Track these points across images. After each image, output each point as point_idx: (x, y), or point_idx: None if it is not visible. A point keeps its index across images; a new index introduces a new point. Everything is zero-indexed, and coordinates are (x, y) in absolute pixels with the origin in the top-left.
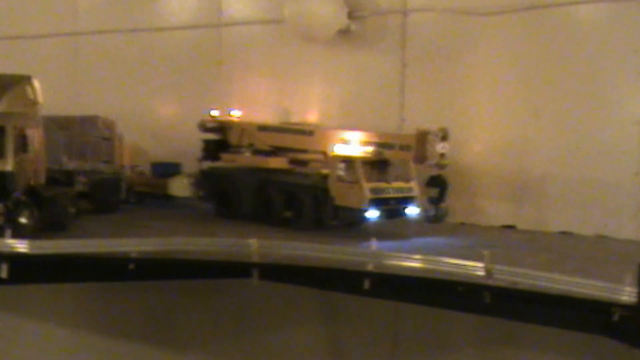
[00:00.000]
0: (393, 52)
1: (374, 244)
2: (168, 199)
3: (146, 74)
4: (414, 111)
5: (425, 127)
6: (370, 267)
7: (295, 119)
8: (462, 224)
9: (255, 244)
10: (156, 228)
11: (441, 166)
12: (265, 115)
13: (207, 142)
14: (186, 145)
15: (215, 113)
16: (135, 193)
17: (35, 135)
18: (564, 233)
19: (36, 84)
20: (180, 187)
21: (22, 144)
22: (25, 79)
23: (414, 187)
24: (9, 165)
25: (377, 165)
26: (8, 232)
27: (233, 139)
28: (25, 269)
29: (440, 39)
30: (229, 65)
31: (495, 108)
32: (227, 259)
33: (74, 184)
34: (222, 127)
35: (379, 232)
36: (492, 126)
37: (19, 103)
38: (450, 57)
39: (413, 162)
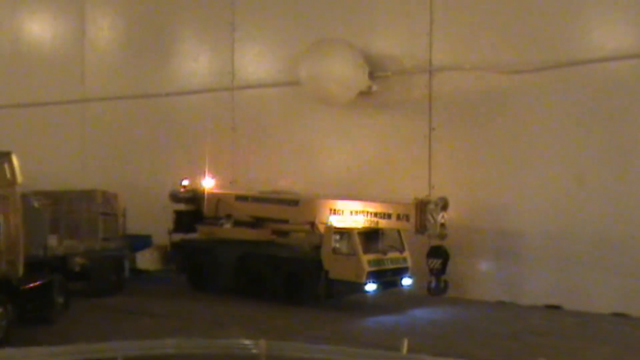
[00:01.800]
0: (419, 114)
1: (405, 345)
2: (137, 273)
3: (154, 141)
4: (443, 177)
5: (425, 196)
6: None
7: (312, 187)
8: (501, 302)
9: (264, 346)
10: (154, 316)
11: (442, 236)
12: (278, 183)
13: (178, 213)
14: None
15: (185, 183)
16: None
17: (10, 220)
18: (617, 315)
19: (15, 161)
20: (149, 260)
21: None
22: (3, 157)
23: (408, 257)
24: None
25: (371, 235)
26: None
27: (208, 209)
28: None
29: (468, 99)
30: (242, 131)
31: (532, 172)
32: None
33: (68, 267)
34: (193, 198)
35: (379, 305)
36: (527, 190)
37: None
38: (480, 118)
39: (413, 232)
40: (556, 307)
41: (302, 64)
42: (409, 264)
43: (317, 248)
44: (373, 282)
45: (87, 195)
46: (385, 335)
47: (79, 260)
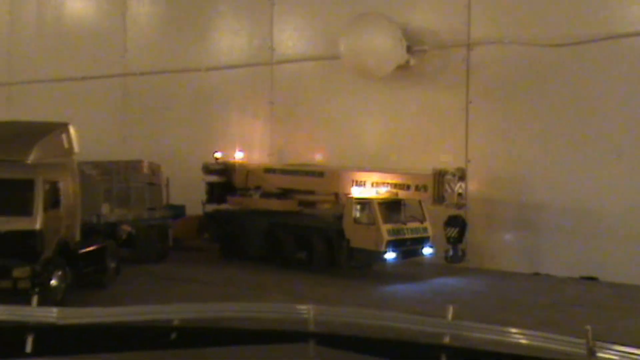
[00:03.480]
0: (456, 88)
1: (450, 312)
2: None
3: (194, 114)
4: (480, 150)
5: (443, 167)
6: (447, 340)
7: (349, 160)
8: (536, 274)
9: (312, 311)
10: (200, 282)
11: (459, 206)
12: (316, 156)
13: (211, 185)
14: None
15: (218, 155)
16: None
17: (69, 187)
18: None
19: (72, 131)
20: (185, 230)
21: (54, 198)
22: (62, 127)
23: (429, 227)
24: (37, 224)
25: (392, 206)
26: (34, 299)
27: (238, 181)
28: (52, 341)
29: (507, 73)
30: (281, 105)
31: (569, 146)
32: (280, 326)
33: (116, 235)
34: (226, 170)
35: (400, 274)
36: (564, 164)
37: (53, 153)
38: (518, 92)
39: (431, 203)
40: (592, 279)
41: (342, 38)
42: (430, 233)
43: (340, 218)
44: (392, 251)
45: (135, 166)
46: (416, 303)
47: (126, 228)
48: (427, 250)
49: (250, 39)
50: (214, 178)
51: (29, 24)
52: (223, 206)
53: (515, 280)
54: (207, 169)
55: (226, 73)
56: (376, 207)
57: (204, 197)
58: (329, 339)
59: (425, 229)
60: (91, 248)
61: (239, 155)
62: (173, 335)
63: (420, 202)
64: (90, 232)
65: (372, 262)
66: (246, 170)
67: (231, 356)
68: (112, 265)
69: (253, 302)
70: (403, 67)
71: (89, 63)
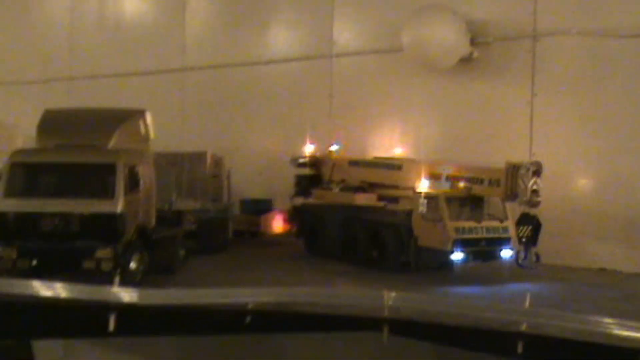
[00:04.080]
0: (521, 81)
1: (528, 299)
2: (255, 237)
3: (252, 108)
4: (545, 145)
5: (517, 160)
6: (523, 328)
7: (411, 154)
8: (602, 269)
9: (387, 297)
10: (268, 271)
11: (533, 203)
12: (379, 149)
13: (299, 178)
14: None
15: (309, 148)
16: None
17: (146, 173)
18: None
19: (149, 118)
20: (274, 224)
21: (133, 182)
22: (139, 114)
23: (510, 227)
24: (118, 206)
25: (468, 202)
26: (117, 279)
27: (325, 174)
28: (133, 321)
29: (574, 65)
30: (341, 98)
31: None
32: (355, 311)
33: (183, 224)
34: (314, 162)
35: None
36: (632, 160)
37: (131, 139)
38: (585, 85)
39: (502, 199)
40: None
41: (405, 31)
42: (511, 234)
43: (410, 214)
44: (461, 251)
45: (199, 157)
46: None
47: (191, 218)
48: (505, 253)
49: (310, 32)
50: (304, 171)
51: (89, 19)
52: (309, 200)
53: (582, 275)
54: (296, 162)
55: (285, 66)
56: (443, 203)
57: (291, 190)
58: (403, 326)
59: (505, 229)
60: (164, 234)
61: (331, 148)
62: (247, 319)
63: (502, 198)
64: (160, 219)
65: (439, 262)
66: (332, 163)
67: (304, 342)
68: (182, 252)
69: (328, 287)
70: (466, 60)
71: (148, 58)
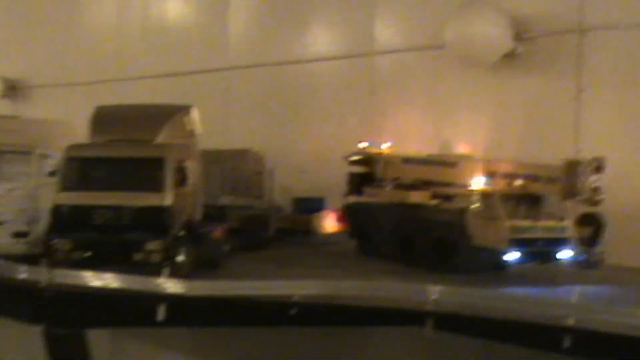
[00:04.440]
0: (567, 76)
1: (576, 293)
2: (308, 235)
3: (294, 107)
4: (592, 142)
5: (577, 157)
6: (571, 322)
7: (455, 151)
8: None
9: (431, 290)
10: (310, 267)
11: (594, 202)
12: (422, 147)
13: (352, 176)
14: (335, 179)
15: (362, 145)
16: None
17: (193, 169)
18: None
19: (195, 114)
20: (326, 223)
21: (181, 177)
22: (185, 110)
23: (569, 226)
24: (168, 200)
25: (525, 200)
26: (166, 271)
27: (379, 172)
28: (180, 311)
29: (622, 59)
30: (382, 96)
31: None
32: (398, 305)
33: (227, 220)
34: (368, 160)
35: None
36: None
37: (178, 134)
38: (634, 80)
39: (561, 197)
40: None
41: (448, 26)
42: (570, 234)
43: (463, 212)
44: (517, 251)
45: (241, 155)
46: None
47: (234, 214)
48: (564, 254)
49: (351, 30)
50: (356, 169)
51: (135, 22)
52: (361, 198)
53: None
54: (349, 159)
55: (327, 64)
56: (497, 200)
57: (344, 188)
58: (447, 320)
59: (563, 229)
60: (210, 229)
61: (385, 145)
62: (292, 311)
63: (559, 197)
64: (205, 214)
65: (494, 262)
66: (385, 161)
67: (348, 335)
68: (226, 247)
69: (372, 281)
70: (510, 56)
71: (192, 58)
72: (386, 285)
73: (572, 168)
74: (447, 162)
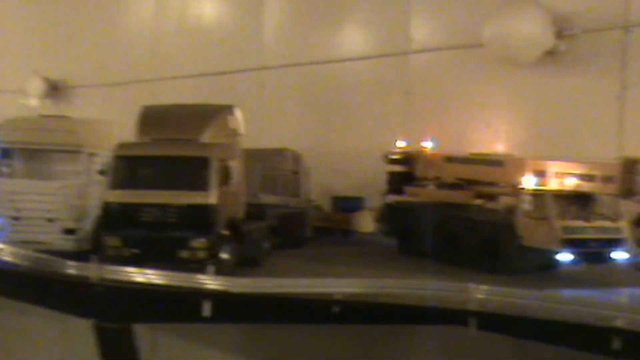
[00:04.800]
0: (610, 74)
1: (627, 294)
2: (346, 234)
3: (329, 106)
4: (636, 141)
5: (635, 155)
6: (619, 323)
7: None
8: None
9: (475, 289)
10: (351, 265)
11: None
12: (459, 146)
13: (392, 175)
14: (370, 178)
15: (401, 144)
16: (311, 228)
17: (236, 167)
18: None
19: (238, 114)
20: (365, 222)
21: (225, 176)
22: (228, 109)
23: (623, 227)
24: (212, 198)
25: (577, 200)
26: (211, 268)
27: (419, 171)
28: (225, 308)
29: None
30: (418, 95)
31: None
32: (441, 304)
33: (266, 218)
34: (408, 159)
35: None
36: None
37: (223, 133)
38: None
39: (617, 196)
40: None
41: (487, 24)
42: (624, 235)
43: (512, 212)
44: (569, 252)
45: (279, 154)
46: None
47: (273, 213)
48: (618, 255)
49: (386, 29)
50: (395, 168)
51: (172, 22)
52: (402, 198)
53: None
54: (389, 158)
55: (362, 63)
56: (550, 200)
57: (383, 188)
58: (491, 319)
59: (617, 230)
60: (252, 227)
61: (425, 144)
62: (334, 309)
63: (616, 197)
64: (246, 213)
65: (544, 263)
66: (427, 160)
67: (390, 333)
68: (267, 245)
69: (415, 279)
70: (552, 53)
71: (227, 58)
72: (430, 284)
73: (630, 166)
74: (492, 161)
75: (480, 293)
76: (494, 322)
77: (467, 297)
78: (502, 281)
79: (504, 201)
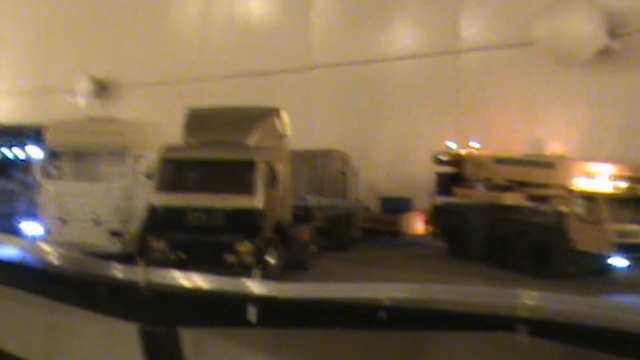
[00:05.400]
0: None
1: None
2: (395, 236)
3: (377, 106)
4: None
5: None
6: None
7: (546, 150)
8: None
9: (526, 295)
10: (399, 269)
11: None
12: (511, 147)
13: (441, 176)
14: (418, 179)
15: (451, 145)
16: (359, 229)
17: (283, 170)
18: None
19: (284, 116)
20: (413, 224)
21: (272, 179)
22: (274, 112)
23: None
24: (259, 202)
25: (631, 203)
26: (257, 273)
27: (469, 172)
28: (269, 313)
29: None
30: (468, 94)
31: None
32: (491, 310)
33: (313, 220)
34: (457, 160)
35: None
36: None
37: (269, 136)
38: None
39: None
40: None
41: (539, 22)
42: None
43: (563, 215)
44: (623, 257)
45: (327, 155)
46: None
47: (319, 214)
48: None
49: (436, 27)
50: (445, 169)
51: (219, 21)
52: (452, 199)
53: None
54: (438, 159)
55: (411, 63)
56: (603, 203)
57: (431, 189)
58: (542, 327)
59: None
60: (299, 231)
61: (474, 145)
62: (382, 315)
63: None
64: (293, 215)
65: (597, 268)
66: (476, 161)
67: (439, 339)
68: (314, 248)
69: (464, 285)
70: (605, 52)
71: (275, 57)
72: (479, 289)
73: None
74: (544, 162)
75: (532, 299)
76: (545, 328)
77: (518, 303)
78: (554, 286)
79: (556, 204)
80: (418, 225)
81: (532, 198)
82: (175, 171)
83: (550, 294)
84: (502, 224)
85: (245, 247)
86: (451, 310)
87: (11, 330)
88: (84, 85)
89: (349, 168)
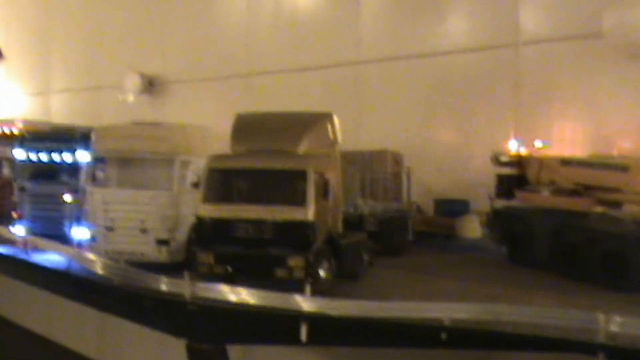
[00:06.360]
0: None
1: None
2: (450, 240)
3: (431, 102)
4: None
5: None
6: None
7: (614, 151)
8: None
9: (605, 320)
10: (458, 279)
11: None
12: (574, 146)
13: (501, 178)
14: (475, 180)
15: (511, 144)
16: (413, 232)
17: (334, 179)
18: None
19: (336, 122)
20: (471, 227)
21: (323, 189)
22: (327, 117)
23: None
24: (310, 214)
25: None
26: (308, 288)
27: (532, 174)
28: (321, 330)
29: None
30: (528, 89)
31: None
32: (564, 334)
33: (365, 227)
34: (519, 161)
35: None
36: None
37: (320, 143)
38: None
39: None
40: None
41: (607, 13)
42: None
43: None
44: None
45: (379, 156)
46: None
47: (371, 218)
48: None
49: (493, 19)
50: (506, 170)
51: (265, 16)
52: (513, 202)
53: None
54: (498, 160)
55: (465, 57)
56: None
57: (492, 191)
58: (622, 354)
59: None
60: (351, 239)
61: (537, 145)
62: (443, 336)
63: None
64: (344, 222)
65: None
66: (540, 162)
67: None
68: (366, 257)
69: (533, 306)
70: None
71: (323, 52)
72: (552, 312)
73: None
74: (617, 165)
75: (613, 324)
76: (625, 357)
77: (596, 327)
78: (631, 300)
79: (631, 210)
80: (475, 228)
81: (604, 203)
82: (223, 181)
83: (635, 320)
84: (570, 231)
85: (296, 262)
86: (519, 333)
87: (65, 325)
88: (133, 82)
89: (402, 169)
